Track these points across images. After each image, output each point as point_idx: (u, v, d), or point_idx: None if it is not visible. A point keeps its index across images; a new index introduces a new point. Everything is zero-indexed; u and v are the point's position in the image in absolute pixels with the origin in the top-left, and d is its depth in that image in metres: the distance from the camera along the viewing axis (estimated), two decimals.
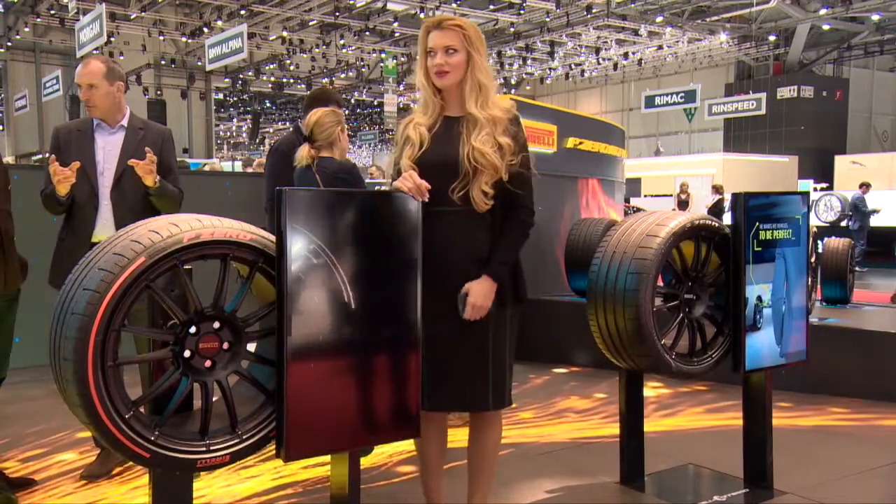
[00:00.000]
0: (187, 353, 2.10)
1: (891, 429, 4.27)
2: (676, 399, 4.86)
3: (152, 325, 2.15)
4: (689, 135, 29.03)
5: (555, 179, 6.61)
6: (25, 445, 3.85)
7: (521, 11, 21.64)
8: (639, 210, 11.81)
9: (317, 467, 3.44)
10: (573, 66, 28.24)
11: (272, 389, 2.18)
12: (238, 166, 17.70)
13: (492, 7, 21.37)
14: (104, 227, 3.33)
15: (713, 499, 3.18)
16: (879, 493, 3.44)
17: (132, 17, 22.96)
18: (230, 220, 2.14)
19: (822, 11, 21.38)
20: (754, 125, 25.03)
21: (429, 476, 2.67)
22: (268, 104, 36.53)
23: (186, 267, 2.09)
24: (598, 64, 27.21)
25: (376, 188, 5.90)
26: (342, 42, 24.79)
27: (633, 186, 19.12)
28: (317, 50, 25.60)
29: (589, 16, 21.00)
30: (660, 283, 3.02)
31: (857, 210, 14.42)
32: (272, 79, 29.30)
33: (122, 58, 22.99)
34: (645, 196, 20.63)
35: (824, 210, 17.05)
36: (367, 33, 23.91)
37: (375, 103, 33.08)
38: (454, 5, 20.41)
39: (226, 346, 2.16)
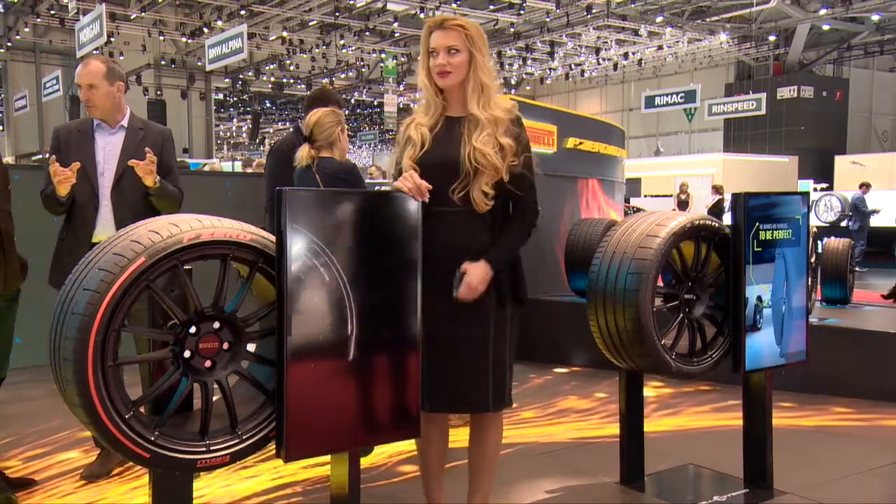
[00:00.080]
0: (187, 354, 2.10)
1: (891, 429, 4.27)
2: (677, 399, 4.86)
3: (152, 325, 2.15)
4: (689, 135, 29.03)
5: (555, 179, 6.61)
6: (26, 445, 3.85)
7: (521, 11, 21.63)
8: (639, 210, 11.81)
9: (317, 467, 3.44)
10: (573, 67, 28.25)
11: (272, 389, 2.18)
12: (238, 166, 17.70)
13: (492, 7, 21.36)
14: (104, 228, 3.33)
15: (713, 499, 3.18)
16: (879, 493, 3.44)
17: (132, 17, 22.95)
18: (230, 221, 2.14)
19: (822, 11, 21.37)
20: (754, 125, 25.03)
21: (430, 476, 2.67)
22: (268, 104, 36.52)
23: (186, 267, 2.09)
24: (598, 64, 27.21)
25: (376, 188, 5.90)
26: (342, 42, 24.79)
27: (633, 186, 19.13)
28: (317, 50, 25.60)
29: (589, 16, 20.99)
30: (660, 283, 3.02)
31: (857, 210, 14.42)
32: (272, 79, 29.30)
33: (122, 58, 22.99)
34: (645, 196, 20.63)
35: (824, 210, 17.06)
36: (367, 33, 23.91)
37: (375, 103, 33.09)
38: (454, 5, 20.40)
39: (226, 346, 2.16)
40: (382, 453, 3.68)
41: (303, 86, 28.92)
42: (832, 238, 7.53)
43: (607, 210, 7.91)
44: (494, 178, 2.41)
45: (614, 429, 3.40)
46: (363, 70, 29.20)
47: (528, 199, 2.50)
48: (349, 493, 2.26)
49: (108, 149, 3.41)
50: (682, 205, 16.37)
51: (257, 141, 34.32)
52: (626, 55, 25.25)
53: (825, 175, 21.37)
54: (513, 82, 29.96)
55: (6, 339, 3.14)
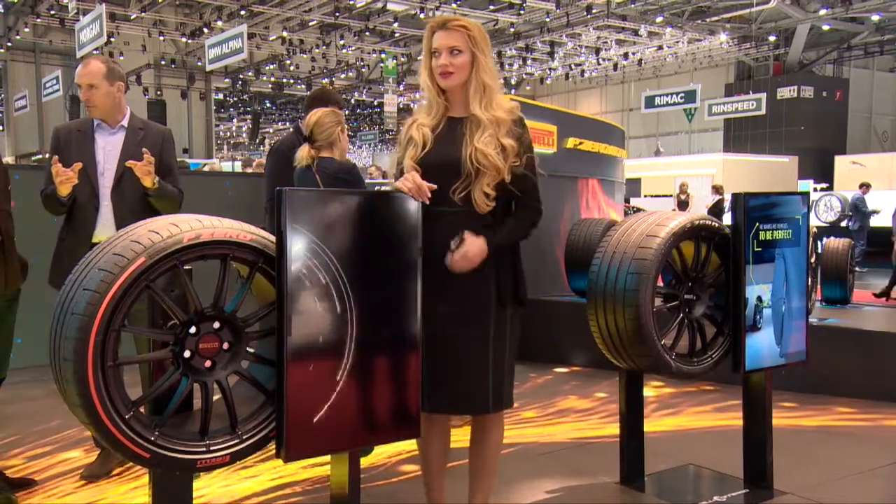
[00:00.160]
0: (187, 354, 2.10)
1: (891, 429, 4.27)
2: (677, 399, 4.86)
3: (152, 325, 2.15)
4: (689, 135, 29.04)
5: (555, 179, 6.60)
6: (26, 445, 3.85)
7: (521, 12, 21.64)
8: (639, 210, 11.81)
9: (317, 467, 3.44)
10: (573, 67, 28.25)
11: (272, 389, 2.18)
12: (238, 166, 17.71)
13: (492, 7, 21.36)
14: (105, 228, 3.33)
15: (713, 499, 3.18)
16: (879, 494, 3.44)
17: (132, 17, 22.96)
18: (230, 221, 2.14)
19: (822, 12, 21.38)
20: (754, 125, 25.04)
21: (431, 476, 2.67)
22: (268, 104, 36.53)
23: (186, 267, 2.09)
24: (598, 64, 27.22)
25: (376, 188, 5.90)
26: (342, 42, 24.80)
27: (633, 186, 19.13)
28: (317, 50, 25.61)
29: (589, 16, 21.00)
30: (660, 283, 3.02)
31: (857, 210, 14.41)
32: (272, 79, 29.31)
33: (122, 58, 22.99)
34: (645, 196, 20.64)
35: (824, 210, 17.06)
36: (367, 33, 23.91)
37: (375, 103, 33.10)
38: (454, 5, 20.41)
39: (226, 346, 2.16)
40: (382, 453, 3.68)
41: (303, 86, 28.92)
42: (832, 238, 7.54)
43: (607, 210, 7.91)
44: (496, 179, 2.41)
45: (614, 429, 3.40)
46: (363, 70, 29.20)
47: (530, 199, 2.50)
48: (349, 493, 2.26)
49: (108, 149, 3.41)
50: (682, 205, 16.37)
51: (257, 141, 34.33)
52: (626, 55, 25.26)
53: (825, 175, 21.38)
54: (513, 82, 29.96)
55: (6, 339, 3.14)
